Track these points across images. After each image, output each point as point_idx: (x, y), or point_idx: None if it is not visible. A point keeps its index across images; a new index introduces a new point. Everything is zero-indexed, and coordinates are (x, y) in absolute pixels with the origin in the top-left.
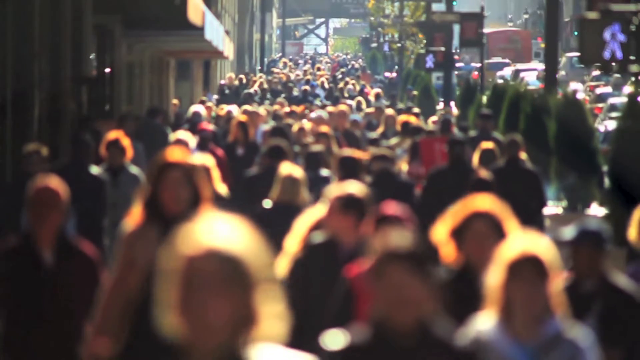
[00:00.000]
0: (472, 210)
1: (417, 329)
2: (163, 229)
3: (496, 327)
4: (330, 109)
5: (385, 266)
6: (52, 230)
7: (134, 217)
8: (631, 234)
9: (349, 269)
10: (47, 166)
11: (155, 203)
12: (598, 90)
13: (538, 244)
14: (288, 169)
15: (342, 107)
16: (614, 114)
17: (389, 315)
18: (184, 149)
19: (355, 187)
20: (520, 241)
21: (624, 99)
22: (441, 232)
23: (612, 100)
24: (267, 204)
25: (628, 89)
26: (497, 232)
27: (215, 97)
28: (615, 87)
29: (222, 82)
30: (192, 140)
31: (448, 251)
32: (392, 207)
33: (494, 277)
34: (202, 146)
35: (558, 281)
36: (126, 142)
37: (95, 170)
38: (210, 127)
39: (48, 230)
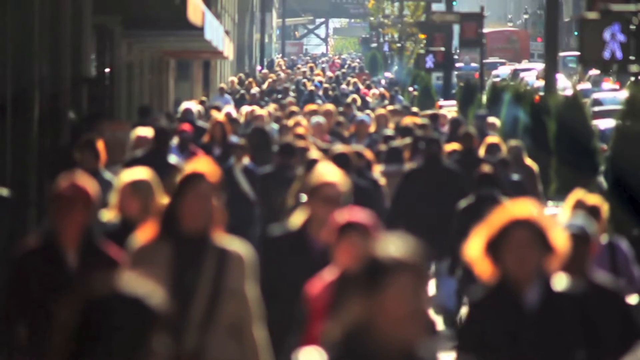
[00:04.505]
0: (511, 218)
1: (404, 349)
2: (177, 247)
3: None
4: (314, 107)
5: (390, 277)
6: (76, 229)
7: (145, 231)
8: (563, 217)
9: (311, 284)
10: None
11: (173, 217)
12: (578, 87)
13: None
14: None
15: (328, 106)
16: (597, 108)
17: (385, 332)
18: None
19: (335, 177)
20: None
21: (608, 95)
22: (475, 243)
23: (595, 96)
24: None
25: (608, 85)
26: (540, 243)
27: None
28: (595, 83)
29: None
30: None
31: (483, 265)
32: (356, 214)
33: None
34: (182, 147)
35: None
36: (101, 145)
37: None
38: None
39: (72, 229)
